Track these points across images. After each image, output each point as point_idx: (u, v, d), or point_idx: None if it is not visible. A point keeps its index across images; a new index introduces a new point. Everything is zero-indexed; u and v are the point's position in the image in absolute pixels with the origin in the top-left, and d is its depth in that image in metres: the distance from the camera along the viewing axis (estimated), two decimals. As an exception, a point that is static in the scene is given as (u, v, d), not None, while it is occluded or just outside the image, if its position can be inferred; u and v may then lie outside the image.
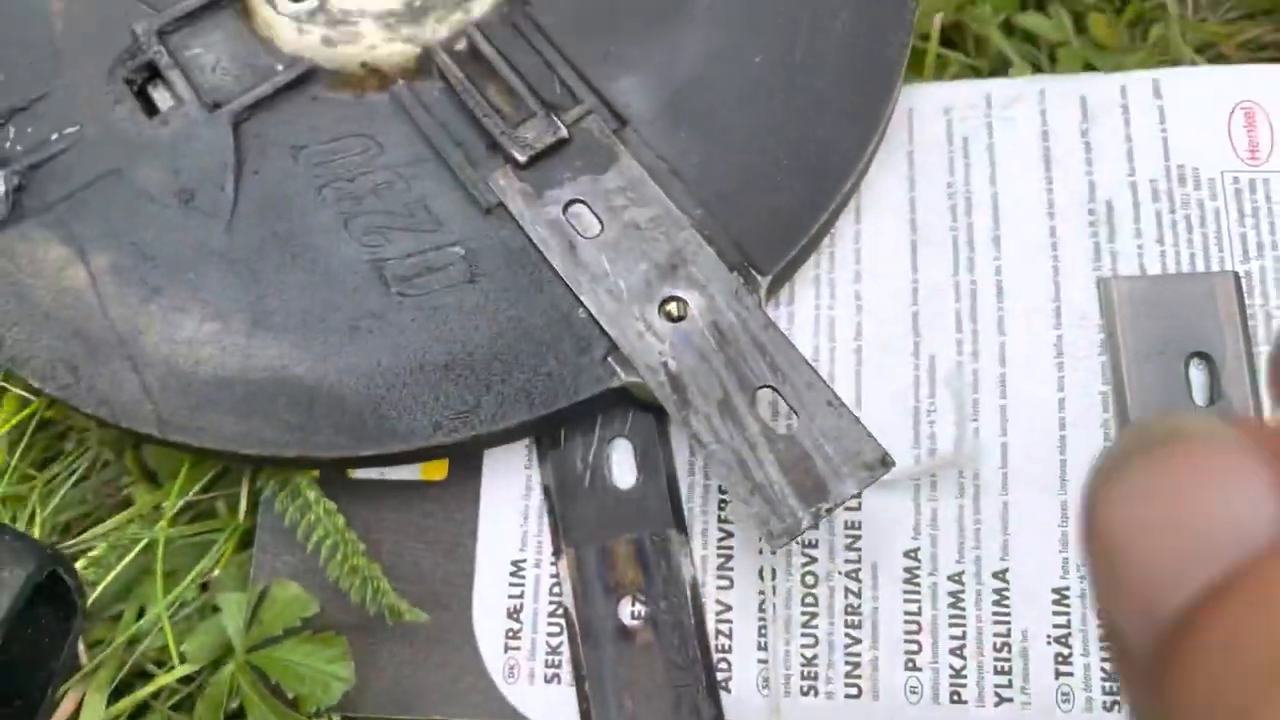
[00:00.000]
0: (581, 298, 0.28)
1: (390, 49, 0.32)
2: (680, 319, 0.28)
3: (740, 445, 0.26)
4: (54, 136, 0.32)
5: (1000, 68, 0.36)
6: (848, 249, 0.31)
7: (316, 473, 0.30)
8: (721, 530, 0.28)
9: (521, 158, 0.30)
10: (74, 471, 0.32)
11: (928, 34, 0.35)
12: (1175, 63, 0.35)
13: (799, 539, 0.27)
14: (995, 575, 0.27)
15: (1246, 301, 0.28)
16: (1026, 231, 0.30)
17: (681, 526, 0.28)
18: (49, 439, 0.33)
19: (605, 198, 0.29)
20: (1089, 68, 0.37)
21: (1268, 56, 0.37)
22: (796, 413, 0.26)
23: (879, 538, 0.28)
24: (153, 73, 0.33)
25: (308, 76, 0.32)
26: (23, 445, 0.32)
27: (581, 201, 0.30)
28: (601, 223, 0.29)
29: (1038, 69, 0.36)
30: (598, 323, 0.28)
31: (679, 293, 0.28)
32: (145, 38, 0.32)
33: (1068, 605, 0.27)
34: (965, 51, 0.36)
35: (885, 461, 0.25)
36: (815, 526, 0.25)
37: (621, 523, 0.29)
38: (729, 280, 0.28)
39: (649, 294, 0.28)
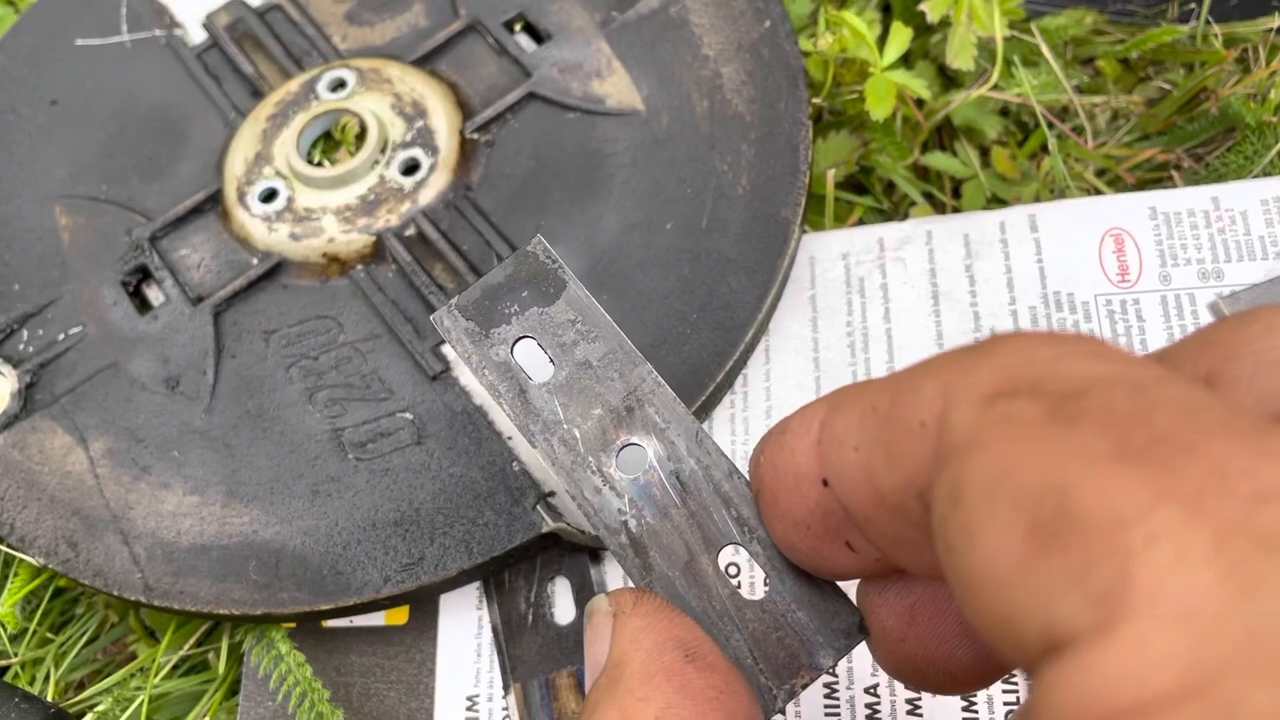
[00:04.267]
0: (535, 449, 0.26)
1: (348, 239, 0.36)
2: (639, 469, 0.25)
3: (708, 613, 0.23)
4: (61, 337, 0.36)
5: (906, 208, 0.40)
6: (759, 388, 0.34)
7: (292, 625, 0.33)
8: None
9: (461, 328, 0.34)
10: (85, 633, 0.36)
11: (838, 183, 0.39)
12: (1061, 191, 0.38)
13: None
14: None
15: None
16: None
17: (617, 656, 0.31)
18: (64, 604, 0.37)
19: (555, 332, 0.26)
20: (996, 199, 0.40)
21: (1164, 175, 0.40)
22: (767, 575, 0.23)
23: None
24: (146, 274, 0.37)
25: (278, 268, 0.36)
26: (40, 611, 0.36)
27: (530, 338, 0.27)
28: (552, 362, 0.26)
29: (942, 206, 0.40)
30: (539, 475, 0.31)
31: (636, 439, 0.25)
32: (139, 244, 0.37)
33: None
34: (874, 195, 0.40)
35: (863, 627, 0.23)
36: (790, 701, 0.23)
37: (562, 656, 0.31)
38: (689, 423, 0.25)
39: (604, 442, 0.25)
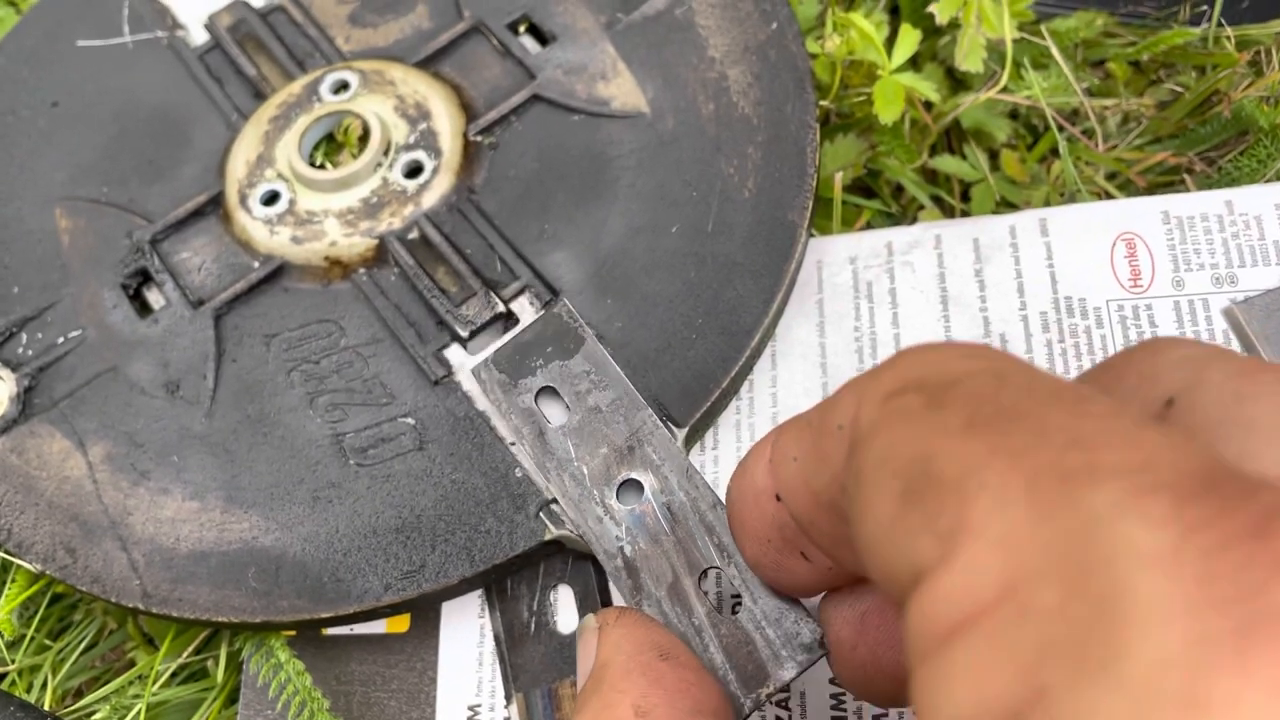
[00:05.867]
0: (549, 484, 0.29)
1: (350, 242, 0.36)
2: (635, 501, 0.28)
3: (688, 629, 0.26)
4: (60, 340, 0.36)
5: (915, 211, 0.39)
6: (765, 394, 0.33)
7: (292, 632, 0.32)
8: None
9: (464, 333, 0.33)
10: (83, 639, 0.36)
11: (845, 186, 0.38)
12: (1072, 195, 0.38)
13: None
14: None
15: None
16: (927, 369, 0.32)
17: (620, 665, 0.31)
18: (62, 610, 0.36)
19: (572, 382, 0.30)
20: (1005, 203, 0.39)
21: (1176, 179, 0.39)
22: (740, 595, 0.26)
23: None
24: (146, 277, 0.37)
25: (279, 271, 0.36)
26: (38, 617, 0.36)
27: (551, 388, 0.31)
28: (568, 408, 0.30)
29: (951, 209, 0.39)
30: (542, 482, 0.31)
31: (635, 474, 0.29)
32: (140, 247, 0.37)
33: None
34: (882, 199, 0.39)
35: (823, 644, 0.25)
36: (758, 710, 0.26)
37: (565, 665, 0.31)
38: (681, 460, 0.28)
39: (608, 477, 0.29)
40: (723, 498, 0.26)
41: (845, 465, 0.17)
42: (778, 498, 0.20)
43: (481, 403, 0.33)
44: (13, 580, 0.34)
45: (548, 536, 0.30)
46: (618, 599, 0.32)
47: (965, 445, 0.14)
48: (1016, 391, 0.15)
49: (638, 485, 0.29)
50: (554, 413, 0.30)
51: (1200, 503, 0.12)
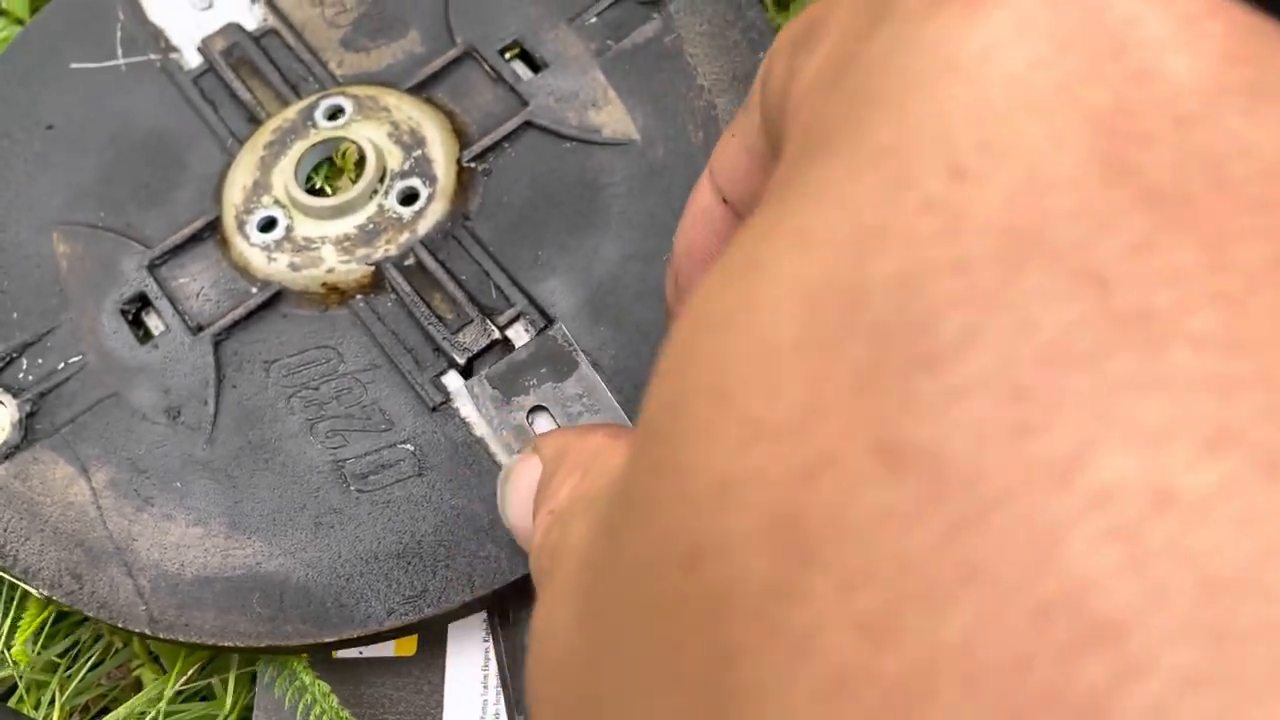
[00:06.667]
0: None
1: (348, 269, 0.36)
2: None
3: None
4: (60, 366, 0.36)
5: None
6: (755, 420, 0.34)
7: (303, 655, 0.33)
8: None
9: (461, 359, 0.34)
10: (90, 658, 0.36)
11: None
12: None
13: None
14: None
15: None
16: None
17: (616, 685, 0.32)
18: (69, 626, 0.37)
19: (564, 404, 0.32)
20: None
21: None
22: None
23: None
24: (145, 302, 0.37)
25: (278, 297, 0.37)
26: (44, 634, 0.36)
27: (543, 408, 0.33)
28: (559, 428, 0.32)
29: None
30: (530, 506, 0.32)
31: None
32: (138, 272, 0.37)
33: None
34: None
35: None
36: None
37: (563, 684, 0.32)
38: None
39: None
40: None
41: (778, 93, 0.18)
42: (724, 201, 0.21)
43: (480, 429, 0.34)
44: (26, 609, 0.35)
45: (546, 562, 0.31)
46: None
47: None
48: None
49: None
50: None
51: None
